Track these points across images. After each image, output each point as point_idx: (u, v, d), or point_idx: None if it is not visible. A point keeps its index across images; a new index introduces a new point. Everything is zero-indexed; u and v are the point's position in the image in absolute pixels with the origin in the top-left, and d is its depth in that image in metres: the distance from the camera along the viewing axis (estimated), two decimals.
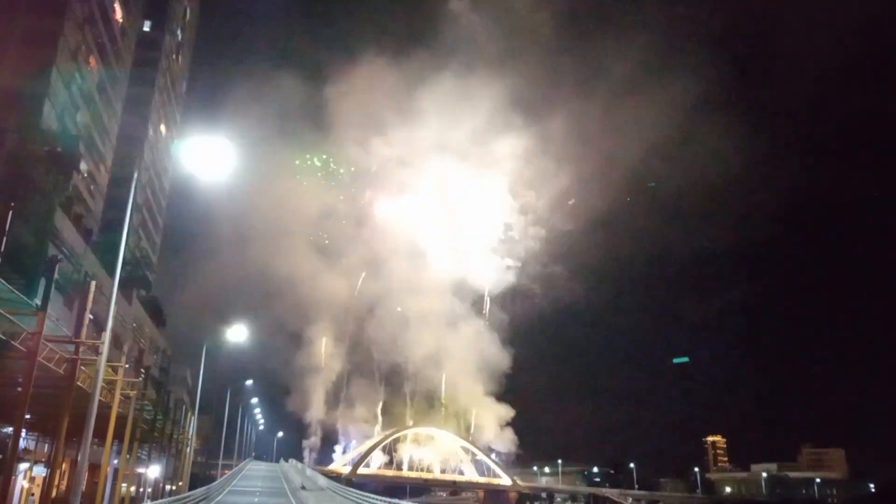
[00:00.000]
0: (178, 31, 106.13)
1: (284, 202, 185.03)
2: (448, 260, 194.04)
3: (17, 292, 18.07)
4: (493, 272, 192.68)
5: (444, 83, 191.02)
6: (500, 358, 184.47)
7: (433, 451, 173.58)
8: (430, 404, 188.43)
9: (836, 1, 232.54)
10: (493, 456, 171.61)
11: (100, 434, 29.99)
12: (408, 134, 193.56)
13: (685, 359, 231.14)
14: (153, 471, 57.11)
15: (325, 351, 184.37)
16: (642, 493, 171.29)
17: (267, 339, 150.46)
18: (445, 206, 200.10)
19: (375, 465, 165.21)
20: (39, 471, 44.09)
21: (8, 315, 19.12)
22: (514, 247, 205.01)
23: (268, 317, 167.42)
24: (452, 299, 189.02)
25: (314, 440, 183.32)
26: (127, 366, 31.75)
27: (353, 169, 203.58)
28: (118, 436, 35.98)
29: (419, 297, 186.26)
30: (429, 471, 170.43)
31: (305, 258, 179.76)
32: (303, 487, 65.98)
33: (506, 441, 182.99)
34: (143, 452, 53.40)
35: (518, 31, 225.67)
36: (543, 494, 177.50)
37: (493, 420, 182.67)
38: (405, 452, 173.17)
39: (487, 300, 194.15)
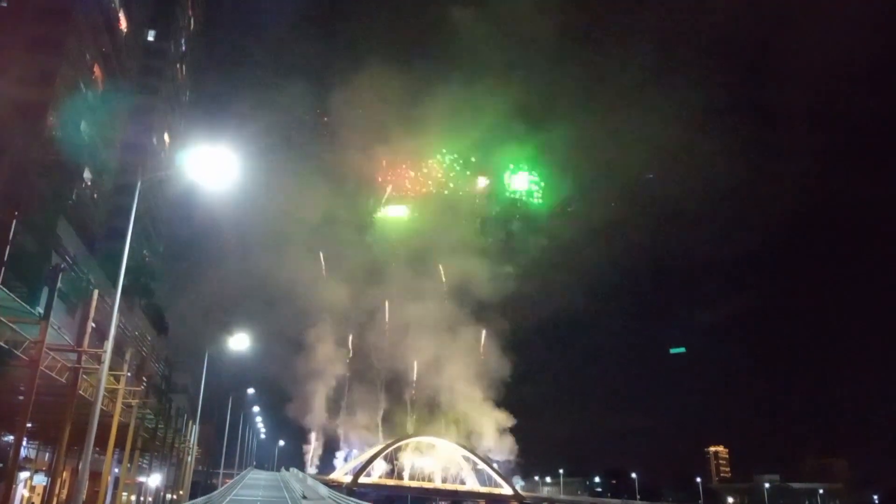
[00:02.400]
0: (182, 41, 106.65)
1: (287, 210, 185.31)
2: (449, 265, 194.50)
3: (19, 301, 18.09)
4: (494, 279, 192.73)
5: (447, 91, 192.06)
6: (501, 366, 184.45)
7: (434, 459, 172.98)
8: (431, 412, 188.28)
9: (839, 5, 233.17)
10: (493, 465, 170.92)
11: (101, 443, 29.91)
12: (412, 141, 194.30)
13: (682, 349, 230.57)
14: (154, 479, 56.87)
15: (325, 357, 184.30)
16: (644, 503, 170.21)
17: (268, 345, 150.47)
18: (448, 211, 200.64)
19: (377, 473, 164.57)
20: (40, 480, 44.04)
21: (10, 324, 19.14)
22: (514, 254, 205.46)
23: (268, 323, 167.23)
24: (453, 306, 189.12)
25: (315, 447, 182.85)
26: (129, 374, 31.69)
27: (356, 176, 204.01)
28: (119, 444, 35.90)
29: (420, 304, 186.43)
30: (430, 480, 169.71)
31: (307, 265, 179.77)
32: (304, 497, 65.62)
33: (506, 449, 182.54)
34: (145, 461, 53.27)
35: (521, 41, 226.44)
36: None
37: (493, 428, 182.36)
38: (407, 461, 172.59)
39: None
